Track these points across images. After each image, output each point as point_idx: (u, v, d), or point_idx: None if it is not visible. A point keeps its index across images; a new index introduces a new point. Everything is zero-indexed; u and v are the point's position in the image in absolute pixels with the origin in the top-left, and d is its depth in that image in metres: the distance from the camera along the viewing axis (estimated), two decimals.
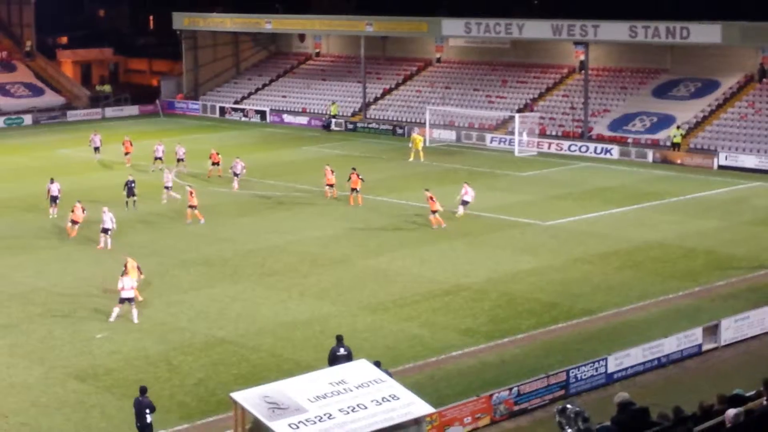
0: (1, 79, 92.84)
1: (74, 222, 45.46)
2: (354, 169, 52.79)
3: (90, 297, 37.15)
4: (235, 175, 56.10)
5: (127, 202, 50.69)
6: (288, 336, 32.76)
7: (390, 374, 25.81)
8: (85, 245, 44.45)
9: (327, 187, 52.92)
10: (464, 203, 48.93)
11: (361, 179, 51.58)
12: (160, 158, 61.27)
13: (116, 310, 34.24)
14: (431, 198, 46.59)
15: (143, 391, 25.06)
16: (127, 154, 63.69)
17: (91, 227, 45.30)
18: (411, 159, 65.12)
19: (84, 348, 31.92)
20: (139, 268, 36.61)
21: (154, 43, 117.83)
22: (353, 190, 51.36)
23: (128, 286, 34.25)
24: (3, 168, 63.36)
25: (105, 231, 43.44)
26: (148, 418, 24.67)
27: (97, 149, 65.52)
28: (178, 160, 60.79)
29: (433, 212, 46.45)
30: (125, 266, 36.06)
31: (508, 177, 60.13)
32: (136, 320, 33.94)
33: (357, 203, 51.09)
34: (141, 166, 62.31)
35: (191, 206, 48.07)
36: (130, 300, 34.24)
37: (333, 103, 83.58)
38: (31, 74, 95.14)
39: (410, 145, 66.81)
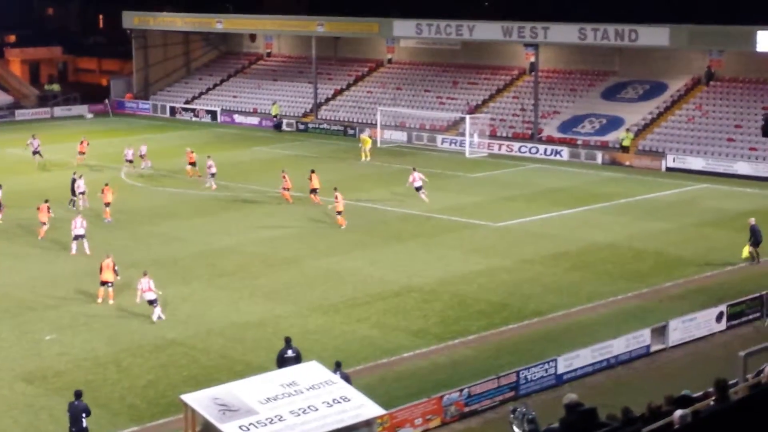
0: None
1: (43, 223, 45.03)
2: (313, 170, 52.61)
3: (38, 297, 36.79)
4: (212, 175, 55.96)
5: (72, 201, 50.21)
6: (239, 337, 32.66)
7: (348, 377, 25.84)
8: (35, 245, 44.00)
9: (284, 190, 52.39)
10: (418, 189, 50.27)
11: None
12: (130, 161, 61.35)
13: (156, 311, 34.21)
14: (337, 197, 47.19)
15: (78, 395, 24.91)
16: (81, 153, 63.08)
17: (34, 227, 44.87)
18: (362, 159, 65.16)
19: (32, 350, 31.62)
20: (115, 268, 36.18)
21: (104, 42, 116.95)
22: (313, 190, 51.18)
23: (146, 287, 34.08)
24: None
25: (77, 237, 42.75)
26: (84, 423, 24.52)
27: (36, 153, 63.63)
28: (141, 156, 61.85)
29: (338, 212, 46.96)
30: (102, 265, 35.79)
31: (459, 178, 60.36)
32: (161, 317, 34.07)
33: (317, 203, 50.93)
34: (93, 165, 61.75)
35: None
36: (152, 302, 34.07)
37: (274, 103, 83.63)
38: None
39: (360, 145, 66.89)
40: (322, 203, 50.28)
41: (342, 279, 38.99)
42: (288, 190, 52.17)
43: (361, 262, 41.32)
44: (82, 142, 64.12)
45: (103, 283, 35.86)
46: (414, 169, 51.96)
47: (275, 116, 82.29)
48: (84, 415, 24.50)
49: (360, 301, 36.20)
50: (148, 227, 47.35)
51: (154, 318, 34.02)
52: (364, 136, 68.07)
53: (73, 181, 50.84)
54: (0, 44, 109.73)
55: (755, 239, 40.52)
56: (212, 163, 56.52)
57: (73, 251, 42.44)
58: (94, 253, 40.91)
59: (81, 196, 50.45)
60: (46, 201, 45.93)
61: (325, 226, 47.36)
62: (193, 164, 59.27)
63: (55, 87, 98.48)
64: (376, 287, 37.81)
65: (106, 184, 49.72)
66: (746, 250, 40.51)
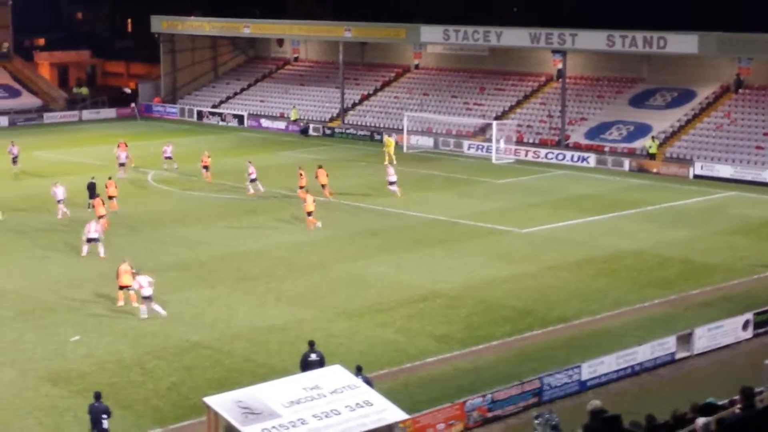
0: None
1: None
2: (320, 166, 54.30)
3: (61, 300, 36.94)
4: (252, 180, 56.07)
5: (89, 204, 50.12)
6: (263, 341, 32.68)
7: (369, 381, 25.78)
8: (61, 245, 44.23)
9: (300, 189, 52.70)
10: (391, 183, 53.44)
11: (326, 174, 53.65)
12: (169, 158, 63.46)
13: (143, 308, 34.59)
14: (305, 199, 47.96)
15: (98, 396, 24.95)
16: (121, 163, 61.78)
17: (60, 231, 45.06)
18: (386, 162, 65.13)
19: (57, 351, 31.74)
20: (133, 272, 36.01)
21: (132, 46, 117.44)
22: (322, 186, 52.86)
23: (145, 283, 34.52)
24: None
25: (90, 240, 42.86)
26: (105, 424, 24.54)
27: (14, 159, 62.40)
28: (166, 158, 63.08)
29: (308, 213, 47.60)
30: (119, 270, 35.98)
31: (485, 184, 60.23)
32: (162, 312, 34.52)
33: (328, 196, 51.97)
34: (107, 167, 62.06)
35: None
36: (147, 298, 34.47)
37: (293, 107, 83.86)
38: (7, 76, 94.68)
39: (384, 148, 66.94)
40: (333, 194, 51.80)
41: (367, 284, 38.96)
42: (302, 188, 52.26)
43: (387, 267, 41.27)
44: (119, 145, 63.20)
45: (122, 287, 35.94)
46: (388, 165, 54.67)
47: (294, 120, 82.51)
48: (105, 416, 24.54)
49: (385, 306, 36.15)
50: (173, 230, 47.48)
51: (143, 315, 34.18)
52: (388, 137, 67.91)
53: (92, 185, 50.89)
54: (29, 48, 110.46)
55: None
56: (253, 169, 56.51)
57: (84, 253, 42.63)
58: (112, 257, 40.97)
59: (110, 200, 50.55)
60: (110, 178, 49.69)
61: (350, 231, 47.35)
62: (206, 168, 59.55)
63: (84, 90, 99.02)
64: (401, 292, 37.75)
65: (110, 178, 51.46)
66: None
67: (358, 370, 25.83)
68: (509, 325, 34.15)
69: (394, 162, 65.16)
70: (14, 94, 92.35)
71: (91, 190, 50.63)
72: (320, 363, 26.84)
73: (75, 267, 41.34)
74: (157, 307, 34.50)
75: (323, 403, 23.58)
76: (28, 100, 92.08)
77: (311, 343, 27.95)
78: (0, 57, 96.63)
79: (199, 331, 33.56)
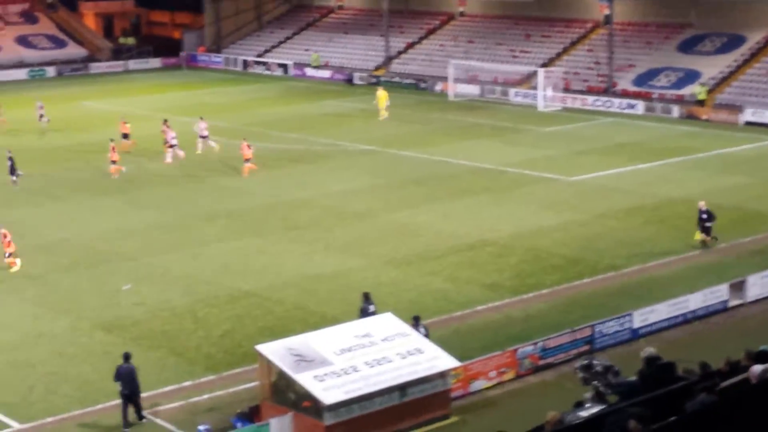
0: (24, 30, 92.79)
1: (113, 162, 47.67)
2: (245, 139, 49.89)
3: (114, 248, 37.30)
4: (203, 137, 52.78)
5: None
6: (313, 289, 32.82)
7: (426, 329, 25.85)
8: (110, 195, 44.61)
9: (245, 162, 48.17)
10: (204, 137, 52.44)
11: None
12: (205, 137, 53.16)
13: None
14: (247, 146, 48.17)
15: (127, 357, 24.43)
16: (125, 136, 54.36)
17: (112, 180, 45.45)
18: (380, 118, 63.06)
19: (110, 299, 32.10)
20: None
21: None
22: (246, 160, 48.27)
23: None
24: (28, 119, 62.88)
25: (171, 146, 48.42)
26: (135, 383, 24.15)
27: (42, 117, 59.84)
28: (201, 137, 52.99)
29: (246, 160, 47.77)
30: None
31: (532, 132, 59.81)
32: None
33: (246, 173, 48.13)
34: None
35: (246, 159, 48.22)
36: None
37: (315, 53, 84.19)
38: (53, 26, 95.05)
39: (375, 102, 64.59)
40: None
41: (414, 232, 38.94)
42: (248, 161, 48.18)
43: (433, 216, 41.21)
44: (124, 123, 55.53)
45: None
46: (201, 118, 53.92)
47: (316, 67, 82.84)
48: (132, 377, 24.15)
49: (433, 255, 36.14)
50: (221, 180, 47.62)
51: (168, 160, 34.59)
52: (380, 91, 65.31)
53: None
54: None
55: None
56: (204, 125, 53.12)
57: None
58: (167, 205, 41.26)
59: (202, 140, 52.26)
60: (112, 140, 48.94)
61: (396, 180, 47.28)
62: (125, 136, 53.83)
63: (130, 40, 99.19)
64: (449, 241, 37.70)
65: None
66: None
67: (416, 320, 25.85)
68: (559, 273, 34.03)
69: (383, 117, 62.80)
70: (60, 44, 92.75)
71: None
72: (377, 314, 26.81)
73: (126, 216, 41.67)
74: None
75: (375, 350, 23.75)
76: (74, 50, 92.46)
77: (366, 295, 27.82)
78: (46, 7, 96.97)
79: (249, 279, 33.75)
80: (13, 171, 46.41)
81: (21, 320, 30.68)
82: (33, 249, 37.12)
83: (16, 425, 24.32)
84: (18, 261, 35.05)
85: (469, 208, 42.36)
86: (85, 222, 41.08)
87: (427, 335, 25.26)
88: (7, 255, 34.88)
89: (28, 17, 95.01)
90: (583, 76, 72.25)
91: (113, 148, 48.16)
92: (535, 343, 26.51)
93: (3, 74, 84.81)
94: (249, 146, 48.57)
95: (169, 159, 50.42)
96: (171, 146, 50.85)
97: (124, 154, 50.35)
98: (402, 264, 35.26)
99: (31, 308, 31.59)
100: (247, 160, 48.21)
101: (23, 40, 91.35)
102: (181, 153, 50.82)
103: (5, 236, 34.98)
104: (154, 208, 42.65)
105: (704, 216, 36.10)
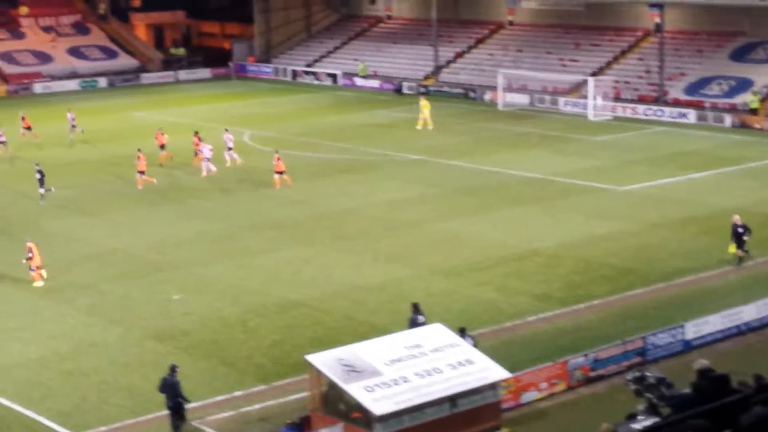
0: (76, 42, 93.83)
1: (141, 172, 47.74)
2: (276, 151, 49.78)
3: (164, 258, 37.55)
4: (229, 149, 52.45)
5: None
6: (362, 299, 32.82)
7: (474, 339, 25.72)
8: (158, 206, 44.92)
9: (277, 175, 47.75)
10: (229, 149, 51.77)
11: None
12: (231, 148, 52.36)
13: None
14: (277, 158, 47.67)
15: (173, 369, 24.41)
16: (162, 147, 53.64)
17: (160, 190, 45.74)
18: (419, 127, 62.85)
19: (161, 309, 32.30)
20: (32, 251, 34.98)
21: (226, 5, 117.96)
22: (279, 173, 47.84)
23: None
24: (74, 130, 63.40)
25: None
26: (180, 396, 24.10)
27: (73, 127, 60.32)
28: (228, 149, 52.16)
29: (278, 173, 47.34)
30: None
31: (582, 141, 59.46)
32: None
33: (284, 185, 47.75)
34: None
35: (278, 172, 47.51)
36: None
37: (362, 63, 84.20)
38: (105, 37, 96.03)
39: (420, 115, 63.54)
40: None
41: (463, 242, 38.83)
42: (281, 173, 47.69)
43: (482, 226, 41.08)
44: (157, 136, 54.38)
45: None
46: (226, 130, 53.23)
47: (363, 77, 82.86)
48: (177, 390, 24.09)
49: (482, 265, 36.01)
50: (269, 190, 47.73)
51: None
52: (424, 101, 64.93)
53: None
54: (125, 9, 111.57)
55: None
56: (230, 137, 52.70)
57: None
58: (214, 215, 41.46)
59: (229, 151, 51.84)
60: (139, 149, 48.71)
61: (444, 189, 47.19)
62: (162, 147, 53.37)
63: (181, 51, 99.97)
64: (498, 251, 37.55)
65: (277, 156, 48.34)
66: None
67: (462, 332, 25.69)
68: (610, 284, 33.76)
69: (431, 127, 62.62)
70: (112, 55, 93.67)
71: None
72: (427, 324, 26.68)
73: (176, 226, 41.94)
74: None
75: (425, 361, 23.66)
76: (125, 61, 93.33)
77: (415, 305, 27.70)
78: (97, 19, 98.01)
79: (298, 289, 33.82)
80: (42, 184, 45.71)
81: (74, 330, 30.97)
82: (84, 259, 37.49)
83: None
84: (44, 273, 34.86)
85: (518, 218, 42.18)
86: (135, 232, 41.38)
87: (474, 346, 25.13)
88: (32, 269, 34.83)
89: (80, 29, 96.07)
90: (633, 85, 71.75)
91: (140, 158, 48.12)
92: (586, 355, 26.30)
93: (55, 85, 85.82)
94: (279, 158, 47.99)
95: (204, 172, 49.90)
96: (207, 159, 49.93)
97: (157, 167, 50.47)
98: (451, 274, 35.16)
99: (82, 317, 31.87)
100: (279, 173, 47.61)
101: (75, 51, 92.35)
102: (213, 168, 49.88)
103: (30, 250, 34.78)
104: (201, 218, 42.89)
105: (740, 230, 35.49)
